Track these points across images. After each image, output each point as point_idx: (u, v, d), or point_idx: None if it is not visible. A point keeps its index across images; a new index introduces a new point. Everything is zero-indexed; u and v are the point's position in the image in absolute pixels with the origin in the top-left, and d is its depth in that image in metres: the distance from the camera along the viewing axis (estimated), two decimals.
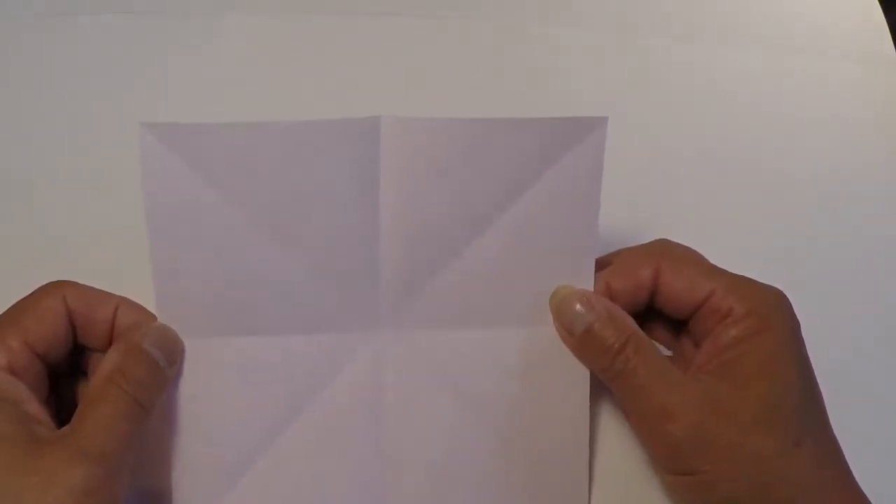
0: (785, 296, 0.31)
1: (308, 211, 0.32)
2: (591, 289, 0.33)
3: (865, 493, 0.29)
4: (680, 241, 0.33)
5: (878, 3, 0.49)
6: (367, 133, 0.31)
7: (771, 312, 0.30)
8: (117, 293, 0.33)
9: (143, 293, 0.33)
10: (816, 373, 0.31)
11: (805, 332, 0.30)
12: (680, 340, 0.34)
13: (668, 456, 0.29)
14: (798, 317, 0.31)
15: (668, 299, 0.32)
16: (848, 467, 0.29)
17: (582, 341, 0.31)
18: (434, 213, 0.32)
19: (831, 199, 0.42)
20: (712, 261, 0.33)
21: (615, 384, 0.31)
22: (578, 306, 0.31)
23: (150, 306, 0.32)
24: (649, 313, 0.34)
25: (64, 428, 0.28)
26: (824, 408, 0.30)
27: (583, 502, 0.34)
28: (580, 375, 0.33)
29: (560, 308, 0.32)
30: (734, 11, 0.49)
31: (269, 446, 0.32)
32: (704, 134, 0.43)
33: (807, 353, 0.30)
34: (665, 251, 0.33)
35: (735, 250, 0.39)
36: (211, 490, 0.32)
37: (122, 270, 0.36)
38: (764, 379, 0.29)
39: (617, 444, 0.35)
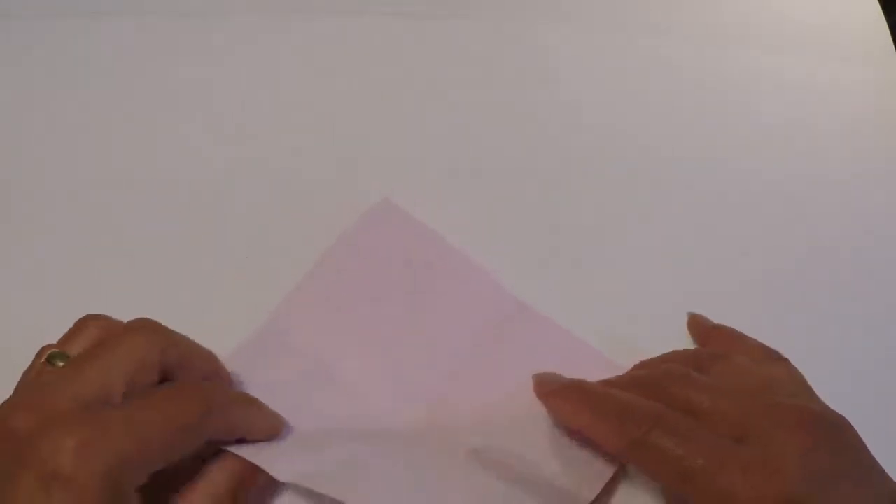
0: None
1: None
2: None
3: None
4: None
5: (877, 3, 0.49)
6: None
7: None
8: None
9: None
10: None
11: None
12: None
13: None
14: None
15: None
16: None
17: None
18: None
19: (831, 199, 0.42)
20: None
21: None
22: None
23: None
24: None
25: None
26: None
27: None
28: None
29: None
30: (734, 12, 0.49)
31: None
32: (703, 134, 0.43)
33: None
34: None
35: (734, 250, 0.39)
36: None
37: (124, 272, 0.37)
38: None
39: None
